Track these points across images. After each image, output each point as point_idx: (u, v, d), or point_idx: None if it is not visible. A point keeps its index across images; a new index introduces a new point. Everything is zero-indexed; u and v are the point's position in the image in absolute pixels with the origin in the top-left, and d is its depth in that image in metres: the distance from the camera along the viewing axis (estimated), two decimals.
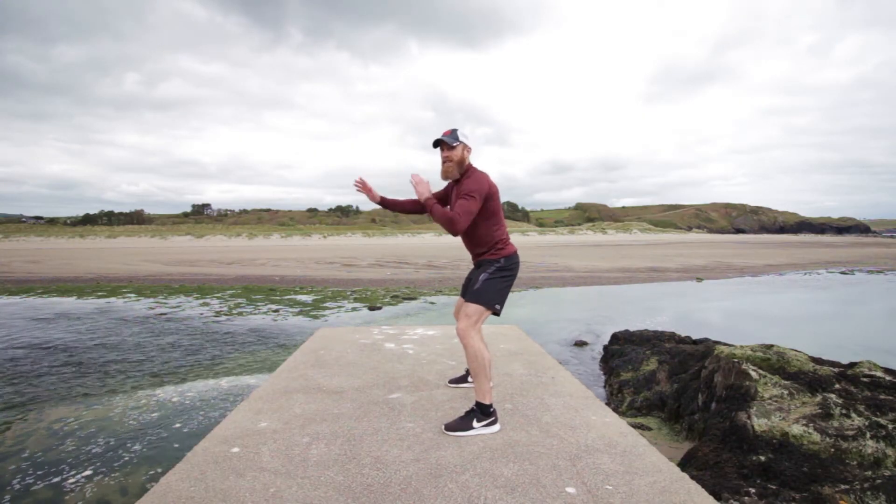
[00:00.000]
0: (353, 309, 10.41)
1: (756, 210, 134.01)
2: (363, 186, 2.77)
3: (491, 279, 2.58)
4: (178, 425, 4.04)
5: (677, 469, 2.12)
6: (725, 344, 4.86)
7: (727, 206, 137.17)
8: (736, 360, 3.72)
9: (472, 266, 2.82)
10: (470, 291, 2.61)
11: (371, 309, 10.33)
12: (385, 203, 2.83)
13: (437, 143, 2.61)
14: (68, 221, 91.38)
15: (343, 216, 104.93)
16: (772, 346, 4.07)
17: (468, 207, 2.45)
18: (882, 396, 3.24)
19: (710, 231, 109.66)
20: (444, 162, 2.63)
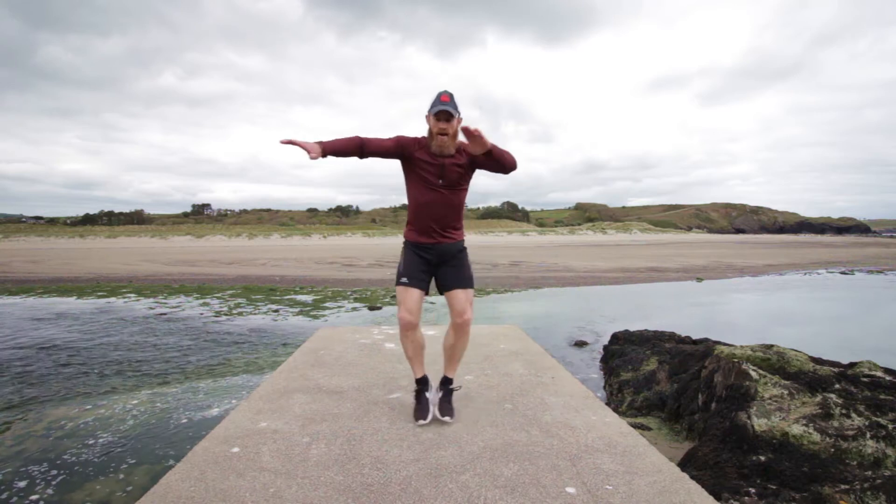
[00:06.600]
0: (353, 309, 10.41)
1: (756, 210, 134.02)
2: (302, 145, 2.29)
3: (469, 263, 2.64)
4: (178, 425, 4.04)
5: (677, 469, 2.12)
6: (725, 344, 4.86)
7: (727, 206, 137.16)
8: (736, 360, 3.72)
9: (420, 247, 2.53)
10: (466, 278, 2.55)
11: (371, 309, 10.33)
12: (328, 150, 2.37)
13: (444, 114, 2.34)
14: (68, 221, 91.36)
15: (343, 216, 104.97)
16: (772, 346, 4.07)
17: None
18: (882, 396, 3.24)
19: (710, 231, 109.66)
20: (438, 134, 2.38)
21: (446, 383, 2.65)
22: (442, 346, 2.71)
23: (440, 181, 2.46)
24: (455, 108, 2.38)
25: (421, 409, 2.57)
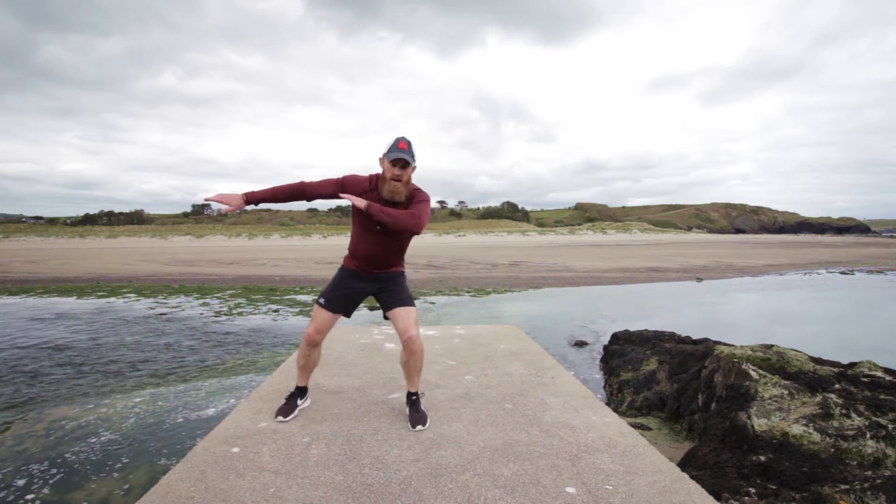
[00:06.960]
0: None
1: (756, 210, 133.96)
2: (220, 200, 2.40)
3: (407, 286, 2.70)
4: (177, 425, 4.04)
5: (677, 469, 2.13)
6: (725, 344, 4.86)
7: (727, 206, 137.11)
8: (736, 360, 3.72)
9: (355, 275, 2.60)
10: (405, 298, 2.59)
11: (371, 309, 10.33)
12: (256, 198, 2.46)
13: (401, 161, 2.34)
14: (68, 221, 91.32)
15: (343, 216, 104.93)
16: (772, 346, 4.07)
17: (427, 210, 2.42)
18: (882, 396, 3.24)
19: (710, 231, 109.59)
20: (392, 180, 2.36)
21: (410, 397, 2.69)
22: (399, 363, 2.74)
23: (377, 227, 2.45)
24: (412, 156, 2.38)
25: (286, 407, 2.68)
